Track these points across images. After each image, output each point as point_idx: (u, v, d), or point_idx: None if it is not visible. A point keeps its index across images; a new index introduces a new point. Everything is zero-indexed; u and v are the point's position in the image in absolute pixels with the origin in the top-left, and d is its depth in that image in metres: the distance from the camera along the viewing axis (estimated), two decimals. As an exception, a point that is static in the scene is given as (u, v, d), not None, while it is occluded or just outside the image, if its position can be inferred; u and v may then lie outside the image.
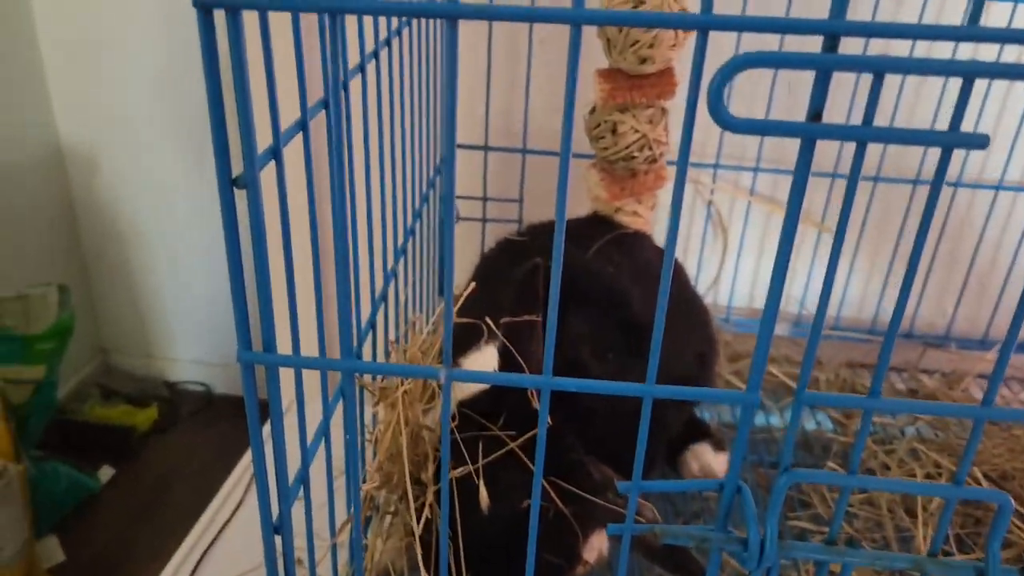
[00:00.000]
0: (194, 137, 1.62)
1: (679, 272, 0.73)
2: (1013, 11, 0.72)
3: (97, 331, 1.87)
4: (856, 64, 0.27)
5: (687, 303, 0.70)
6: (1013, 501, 0.32)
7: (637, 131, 0.65)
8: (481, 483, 0.51)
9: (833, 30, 0.26)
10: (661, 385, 0.67)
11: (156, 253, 1.75)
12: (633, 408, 0.66)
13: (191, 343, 1.83)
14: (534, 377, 0.34)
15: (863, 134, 0.27)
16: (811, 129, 0.27)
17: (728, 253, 0.84)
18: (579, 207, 0.81)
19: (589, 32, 0.76)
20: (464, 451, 0.52)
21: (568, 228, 0.80)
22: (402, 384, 0.51)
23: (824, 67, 0.27)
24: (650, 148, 0.66)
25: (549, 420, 0.54)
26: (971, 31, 0.26)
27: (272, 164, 0.33)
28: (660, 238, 0.81)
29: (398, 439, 0.53)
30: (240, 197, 0.31)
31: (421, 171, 0.67)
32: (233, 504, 0.73)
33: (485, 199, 0.80)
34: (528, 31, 0.76)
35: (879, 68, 0.26)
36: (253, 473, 0.77)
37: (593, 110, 0.68)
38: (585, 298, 0.63)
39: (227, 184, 0.31)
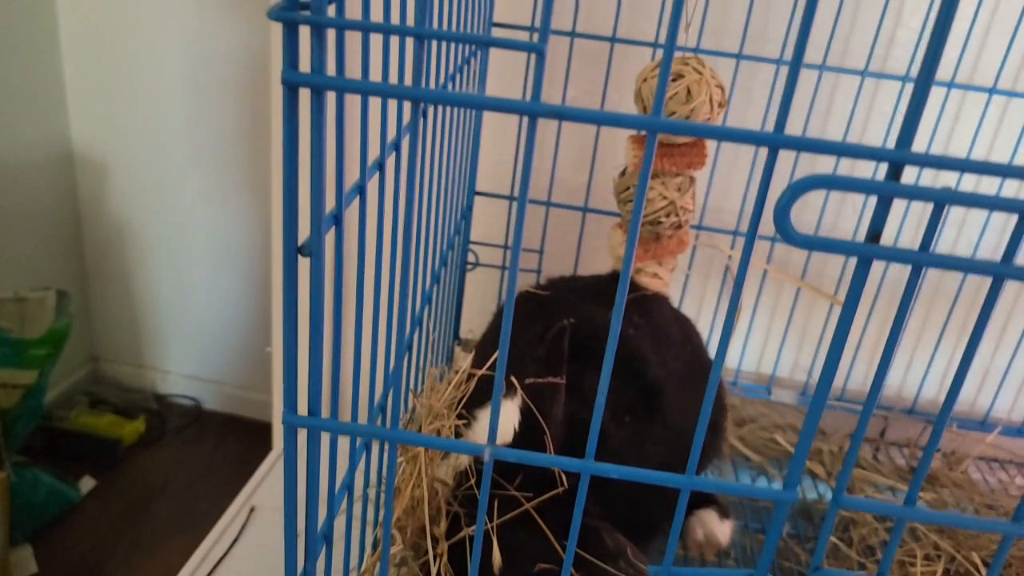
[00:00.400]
0: (211, 153, 1.63)
1: (695, 337, 0.74)
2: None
3: (90, 338, 1.86)
4: (918, 194, 0.28)
5: (703, 369, 0.71)
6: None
7: (665, 198, 0.66)
8: (495, 542, 0.51)
9: (899, 160, 0.27)
10: (677, 451, 0.67)
11: (159, 264, 1.75)
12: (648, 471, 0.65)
13: (185, 357, 1.83)
14: (575, 461, 0.35)
15: (920, 259, 0.28)
16: (869, 250, 0.28)
17: (740, 318, 0.85)
18: (599, 262, 0.82)
19: (627, 96, 0.77)
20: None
21: (588, 285, 0.81)
22: (424, 439, 0.51)
23: (887, 194, 0.28)
24: (676, 215, 0.67)
25: (565, 482, 0.54)
26: (1030, 170, 0.27)
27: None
28: (675, 299, 0.83)
29: (415, 493, 0.53)
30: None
31: (450, 217, 0.68)
32: (230, 539, 0.73)
33: (506, 247, 0.81)
34: (563, 89, 0.77)
35: (940, 199, 0.27)
36: (278, 518, 0.76)
37: (623, 172, 0.70)
38: (601, 359, 0.64)
39: (293, 252, 0.31)
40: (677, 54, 0.64)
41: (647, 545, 0.59)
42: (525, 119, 0.84)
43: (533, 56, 0.28)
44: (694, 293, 0.85)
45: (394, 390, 0.35)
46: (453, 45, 0.56)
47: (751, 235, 0.29)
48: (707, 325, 0.85)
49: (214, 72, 1.56)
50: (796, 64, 0.27)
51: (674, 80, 0.62)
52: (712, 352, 0.85)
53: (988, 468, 0.82)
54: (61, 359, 1.50)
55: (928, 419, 0.85)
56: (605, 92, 0.76)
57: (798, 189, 0.27)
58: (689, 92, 0.62)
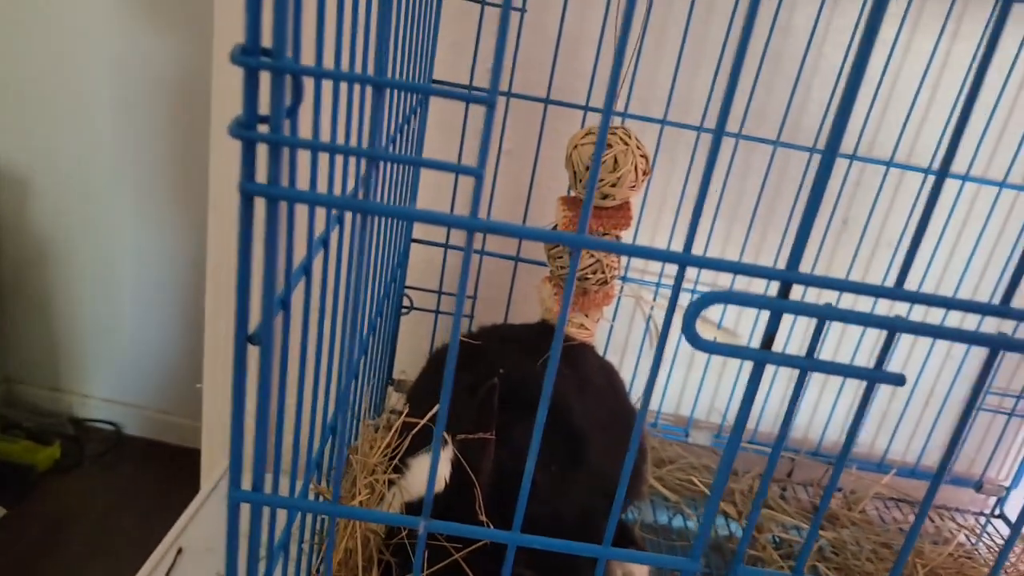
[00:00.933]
0: (139, 170, 1.60)
1: (618, 383, 0.78)
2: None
3: (3, 358, 1.78)
4: (803, 310, 0.32)
5: (624, 416, 0.75)
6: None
7: (593, 256, 0.70)
8: (425, 593, 0.53)
9: (787, 279, 0.32)
10: (600, 495, 0.70)
11: (81, 286, 1.70)
12: (572, 518, 0.70)
13: (104, 380, 1.77)
14: (503, 533, 0.37)
15: (806, 364, 0.32)
16: (764, 356, 0.32)
17: (661, 364, 0.90)
18: (530, 309, 0.85)
19: (558, 160, 0.81)
20: (411, 558, 0.54)
21: (517, 335, 0.84)
22: (359, 495, 0.53)
23: (777, 309, 0.32)
24: (603, 272, 0.71)
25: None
26: (896, 292, 0.32)
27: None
28: (600, 346, 0.87)
29: (348, 545, 0.55)
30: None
31: (388, 269, 0.71)
32: (158, 581, 0.72)
33: (440, 292, 0.84)
34: (499, 146, 0.81)
35: (822, 315, 0.32)
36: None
37: (554, 229, 0.73)
38: (530, 409, 0.67)
39: (243, 343, 0.33)
40: (606, 123, 0.69)
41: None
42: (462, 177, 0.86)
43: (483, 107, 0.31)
44: (618, 340, 0.90)
45: (335, 459, 0.37)
46: (401, 104, 0.59)
47: (660, 346, 0.33)
48: (630, 370, 0.89)
49: (141, 88, 1.53)
50: (708, 170, 0.31)
51: (603, 149, 0.66)
52: (633, 398, 0.89)
53: (884, 507, 0.89)
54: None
55: (831, 460, 0.92)
56: (539, 149, 0.80)
57: (700, 304, 0.31)
58: (616, 161, 0.66)
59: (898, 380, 0.33)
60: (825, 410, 0.92)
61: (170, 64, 1.52)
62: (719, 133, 0.31)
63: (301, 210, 0.40)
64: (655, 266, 0.87)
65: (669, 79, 0.79)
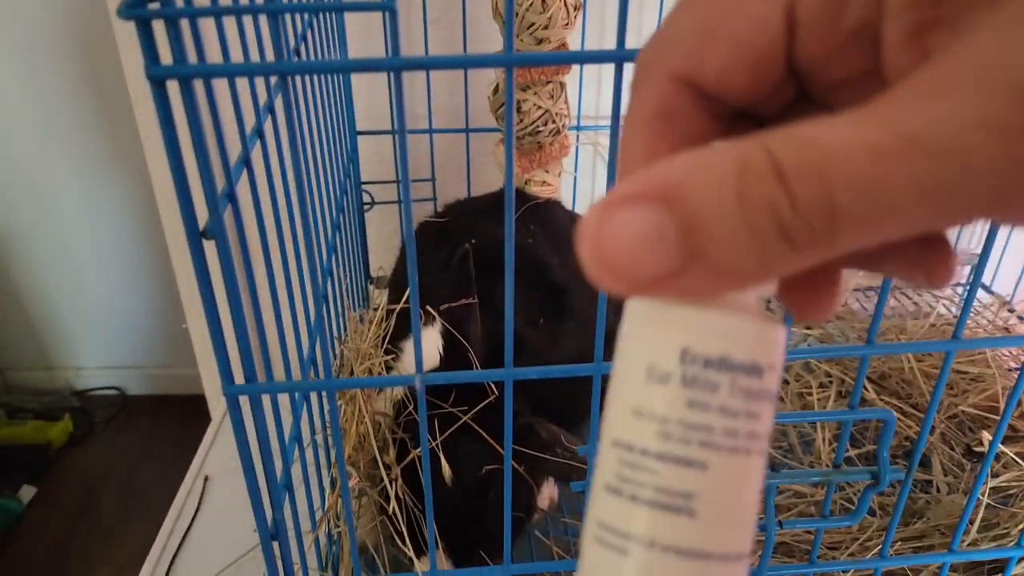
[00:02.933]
0: (70, 134, 1.53)
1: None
2: None
3: (-12, 349, 1.77)
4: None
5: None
6: (895, 414, 0.40)
7: (540, 107, 0.69)
8: (442, 457, 0.55)
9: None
10: (590, 341, 0.72)
11: (42, 261, 1.66)
12: (568, 364, 0.71)
13: (97, 349, 1.77)
14: (497, 371, 0.38)
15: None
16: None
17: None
18: (492, 178, 0.85)
19: (485, 14, 0.78)
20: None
21: (484, 204, 0.84)
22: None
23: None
24: (553, 121, 0.70)
25: (495, 389, 0.59)
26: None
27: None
28: (567, 200, 0.86)
29: (360, 429, 0.56)
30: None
31: (337, 165, 0.69)
32: (191, 511, 0.75)
33: (399, 182, 0.83)
34: (423, 15, 0.77)
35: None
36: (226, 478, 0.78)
37: (496, 89, 0.71)
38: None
39: (196, 238, 0.33)
40: (526, -36, 0.66)
41: (579, 428, 0.65)
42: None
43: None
44: (584, 191, 0.89)
45: (320, 341, 0.38)
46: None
47: (612, 163, 0.33)
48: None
49: (66, 48, 1.45)
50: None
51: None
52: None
53: (865, 297, 0.92)
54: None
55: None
56: (465, 8, 0.77)
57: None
58: (544, 1, 0.63)
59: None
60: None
61: (68, 11, 1.42)
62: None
63: (226, 105, 0.39)
64: (606, 108, 0.86)
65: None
